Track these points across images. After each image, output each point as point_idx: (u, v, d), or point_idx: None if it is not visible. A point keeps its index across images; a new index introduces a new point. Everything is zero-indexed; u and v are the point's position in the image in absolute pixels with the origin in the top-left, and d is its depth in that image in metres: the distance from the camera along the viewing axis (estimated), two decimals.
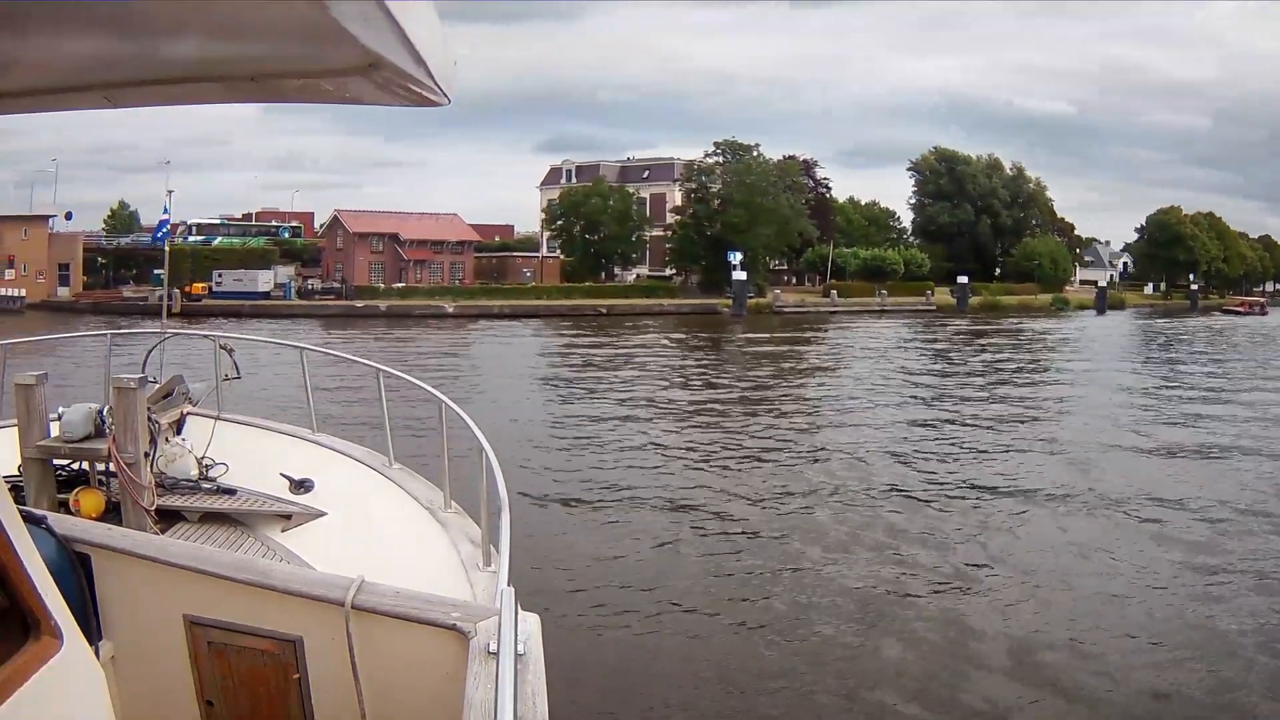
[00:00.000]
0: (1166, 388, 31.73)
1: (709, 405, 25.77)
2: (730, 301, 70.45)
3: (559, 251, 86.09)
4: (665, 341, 47.83)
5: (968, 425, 22.60)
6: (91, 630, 3.00)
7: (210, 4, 1.47)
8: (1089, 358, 42.91)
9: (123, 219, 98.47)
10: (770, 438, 20.52)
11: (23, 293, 70.38)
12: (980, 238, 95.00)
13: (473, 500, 5.30)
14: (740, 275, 70.99)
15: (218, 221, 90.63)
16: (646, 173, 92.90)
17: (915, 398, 28.08)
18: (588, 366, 35.68)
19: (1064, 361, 41.13)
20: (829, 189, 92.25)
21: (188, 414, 6.45)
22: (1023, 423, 23.30)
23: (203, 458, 5.88)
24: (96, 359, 7.83)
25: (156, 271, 76.07)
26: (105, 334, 7.96)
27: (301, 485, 5.84)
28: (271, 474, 5.90)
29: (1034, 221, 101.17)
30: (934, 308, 79.07)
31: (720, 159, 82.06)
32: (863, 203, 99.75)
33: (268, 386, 17.96)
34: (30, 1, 1.43)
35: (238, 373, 7.19)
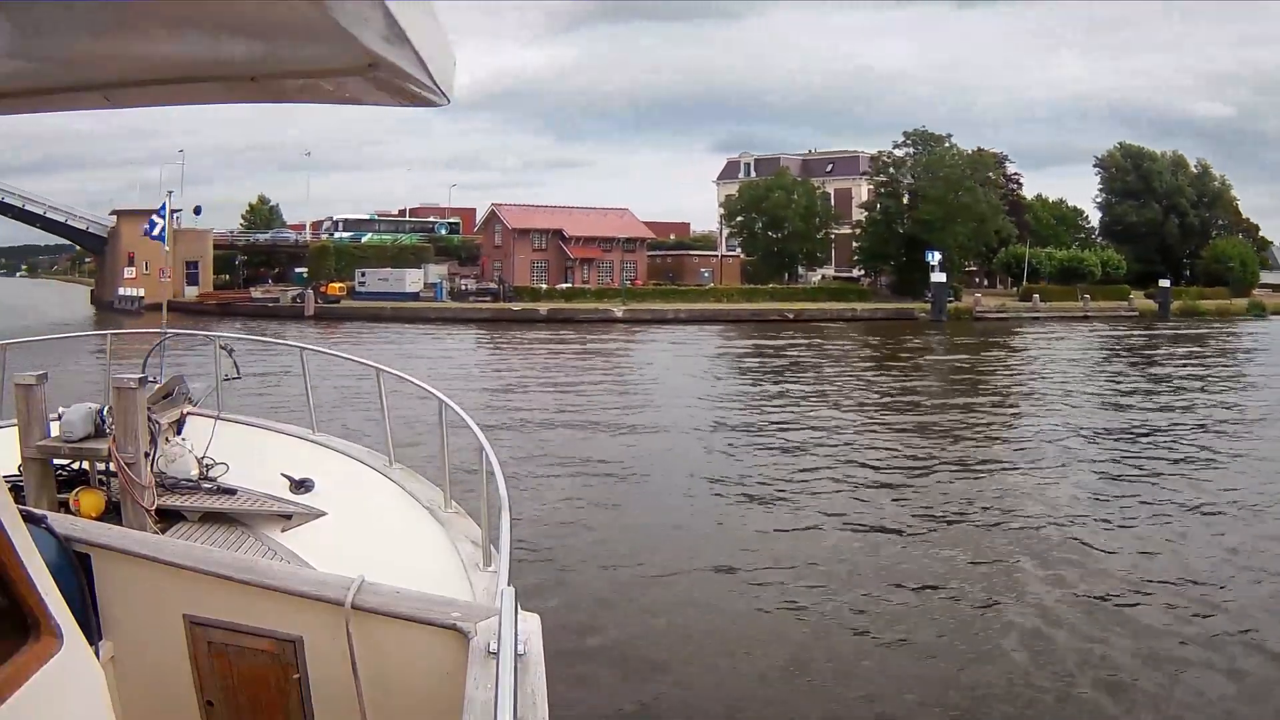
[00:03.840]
0: None
1: (897, 429, 21.81)
2: (928, 306, 64.04)
3: (738, 250, 79.79)
4: (857, 351, 42.83)
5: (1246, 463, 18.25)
6: (91, 630, 3.00)
7: (210, 4, 1.47)
8: None
9: (262, 214, 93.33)
10: (938, 462, 17.73)
11: (141, 293, 64.95)
12: (1168, 238, 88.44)
13: (473, 500, 5.31)
14: (939, 277, 64.73)
15: (368, 217, 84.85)
16: (830, 166, 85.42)
17: (1165, 427, 22.61)
18: (768, 382, 30.92)
19: None
20: (1020, 185, 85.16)
21: (188, 414, 6.45)
22: None
23: (203, 458, 5.88)
24: (99, 359, 7.82)
25: (299, 270, 72.69)
26: (105, 334, 7.97)
27: (301, 485, 5.84)
28: (271, 474, 5.90)
29: (1219, 222, 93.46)
30: (1136, 313, 70.52)
31: (910, 151, 74.64)
32: (1050, 200, 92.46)
33: (269, 387, 17.98)
34: (30, 1, 1.43)
35: (238, 373, 7.21)
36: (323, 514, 5.50)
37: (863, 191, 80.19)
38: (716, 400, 26.63)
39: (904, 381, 31.89)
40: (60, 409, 5.54)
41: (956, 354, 42.01)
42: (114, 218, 71.17)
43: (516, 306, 61.72)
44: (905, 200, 73.71)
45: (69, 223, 71.22)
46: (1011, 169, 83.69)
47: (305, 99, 2.02)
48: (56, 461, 5.45)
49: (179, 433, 6.25)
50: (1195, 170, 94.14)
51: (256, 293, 68.48)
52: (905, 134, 75.02)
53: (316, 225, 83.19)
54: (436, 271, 71.02)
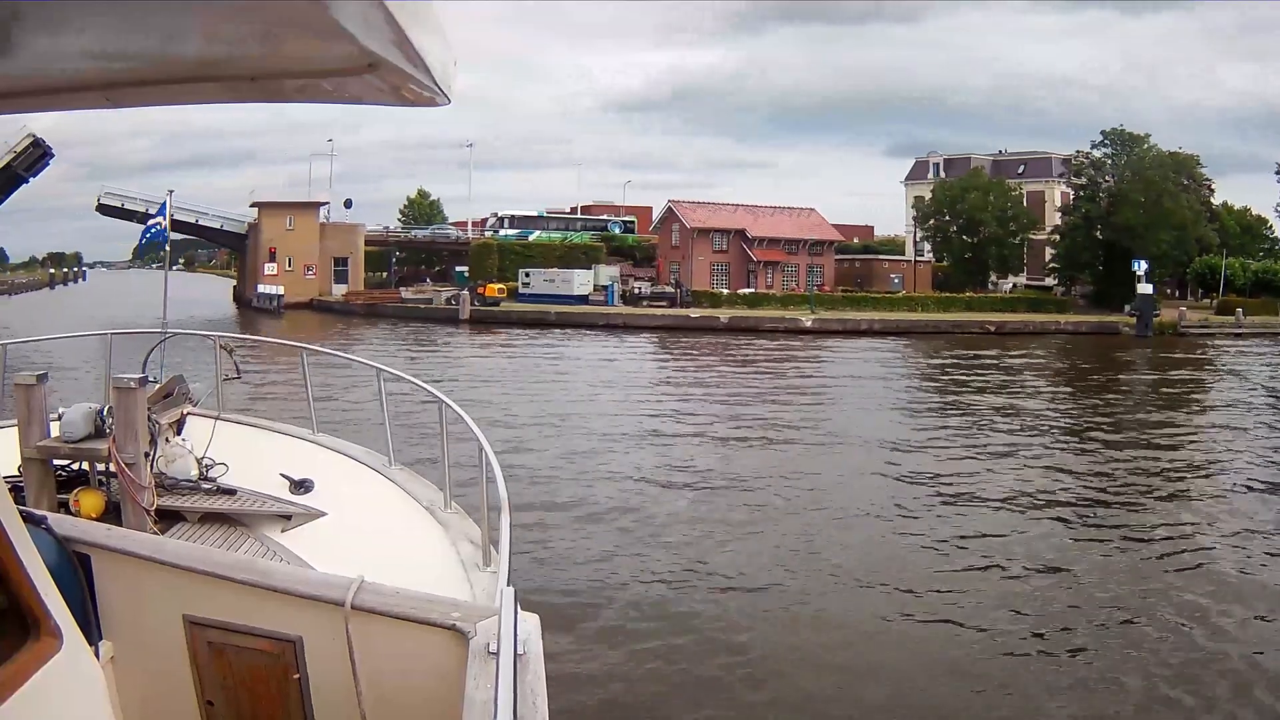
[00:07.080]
0: None
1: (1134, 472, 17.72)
2: (1131, 319, 59.04)
3: (929, 254, 75.36)
4: (1071, 369, 38.45)
5: None
6: (91, 630, 3.00)
7: (210, 4, 1.47)
8: None
9: (422, 209, 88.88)
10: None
11: (280, 290, 60.61)
12: None
13: (473, 500, 5.31)
14: (1146, 288, 59.33)
15: (536, 213, 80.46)
16: (1022, 168, 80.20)
17: None
18: (990, 407, 26.00)
19: None
20: (1212, 190, 77.74)
21: (188, 414, 6.45)
22: None
23: (203, 458, 5.88)
24: (99, 359, 7.76)
25: (459, 269, 68.55)
26: (105, 334, 7.97)
27: (301, 485, 5.85)
28: (271, 474, 5.91)
29: None
30: None
31: (1108, 151, 68.81)
32: (1235, 208, 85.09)
33: (269, 388, 17.98)
34: (30, 1, 1.43)
35: (238, 373, 7.22)
36: (322, 514, 5.50)
37: (1056, 194, 75.89)
38: (919, 425, 22.85)
39: (1133, 408, 27.56)
40: (60, 409, 5.54)
41: (1176, 371, 37.66)
42: (254, 210, 66.89)
43: (695, 313, 56.53)
44: (1104, 203, 68.02)
45: (200, 223, 67.10)
46: (1204, 173, 76.35)
47: (305, 99, 2.02)
48: (56, 462, 5.44)
49: (179, 433, 6.25)
50: None
51: (407, 293, 63.58)
52: (1104, 133, 69.34)
53: (481, 223, 79.33)
54: (608, 273, 65.98)
